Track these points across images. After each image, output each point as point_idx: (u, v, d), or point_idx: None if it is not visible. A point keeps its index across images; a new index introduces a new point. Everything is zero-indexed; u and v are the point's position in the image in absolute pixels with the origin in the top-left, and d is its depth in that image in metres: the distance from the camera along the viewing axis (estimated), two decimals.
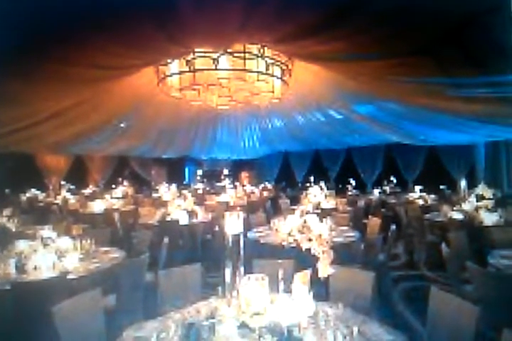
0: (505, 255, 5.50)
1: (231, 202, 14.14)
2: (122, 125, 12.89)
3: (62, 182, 19.30)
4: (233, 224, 3.27)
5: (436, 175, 18.11)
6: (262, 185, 20.82)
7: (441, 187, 16.85)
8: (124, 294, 4.98)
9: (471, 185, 14.29)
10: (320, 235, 5.57)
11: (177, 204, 10.14)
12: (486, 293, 4.55)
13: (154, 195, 17.48)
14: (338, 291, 4.18)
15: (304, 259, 5.12)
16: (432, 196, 13.60)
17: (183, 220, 9.29)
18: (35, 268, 4.92)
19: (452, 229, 7.84)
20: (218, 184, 22.66)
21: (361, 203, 12.82)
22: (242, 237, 3.31)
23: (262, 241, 6.79)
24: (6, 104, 7.58)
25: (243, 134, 17.08)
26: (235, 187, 18.69)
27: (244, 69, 7.21)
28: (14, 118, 9.08)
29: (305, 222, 6.56)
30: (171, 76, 7.63)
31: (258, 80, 7.46)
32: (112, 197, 14.85)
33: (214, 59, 7.02)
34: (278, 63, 7.65)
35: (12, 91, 6.75)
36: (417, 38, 4.95)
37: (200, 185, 22.01)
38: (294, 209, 7.87)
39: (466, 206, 9.40)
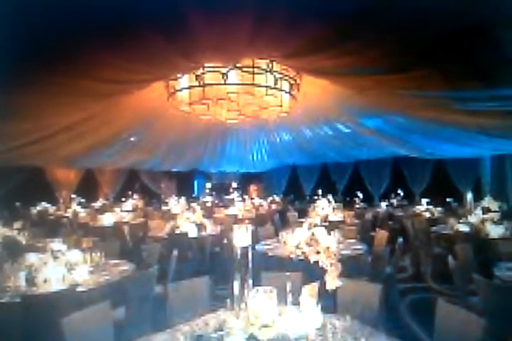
0: (511, 267, 5.52)
1: (239, 215, 14.12)
2: (132, 139, 12.98)
3: (73, 196, 19.33)
4: (242, 237, 3.28)
5: (443, 188, 18.11)
6: (271, 198, 20.76)
7: (448, 200, 16.79)
8: (133, 306, 4.98)
9: (478, 197, 14.33)
10: (328, 248, 5.59)
11: (186, 217, 10.14)
12: (492, 305, 4.55)
13: (164, 207, 17.52)
14: (345, 303, 4.18)
15: (312, 272, 5.14)
16: (439, 209, 13.60)
17: (192, 233, 9.31)
18: (45, 280, 4.91)
19: (458, 241, 7.83)
20: (227, 197, 22.69)
21: (369, 216, 12.80)
22: (250, 250, 3.31)
23: (270, 254, 6.81)
24: (16, 118, 7.68)
25: (252, 148, 17.17)
26: (244, 200, 18.64)
27: (253, 84, 7.28)
28: (25, 132, 9.17)
29: (313, 234, 6.56)
30: (180, 90, 7.71)
31: (267, 94, 7.51)
32: (121, 210, 14.86)
33: (223, 73, 7.10)
34: (286, 78, 7.72)
35: (22, 105, 6.83)
36: (423, 52, 5.00)
37: (209, 198, 22.02)
38: (302, 222, 7.88)
39: (473, 218, 9.45)
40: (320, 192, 16.89)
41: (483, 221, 9.04)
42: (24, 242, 8.49)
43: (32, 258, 5.51)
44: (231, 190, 23.44)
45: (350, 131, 12.60)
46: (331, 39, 4.74)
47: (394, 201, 18.02)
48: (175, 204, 16.28)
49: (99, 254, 6.14)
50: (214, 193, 24.52)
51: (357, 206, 17.10)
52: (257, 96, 7.54)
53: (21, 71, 5.12)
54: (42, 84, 5.77)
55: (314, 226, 7.09)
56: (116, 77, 6.15)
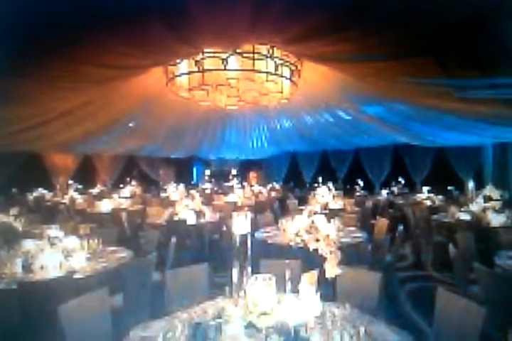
0: None
1: (239, 202, 14.14)
2: (131, 124, 12.94)
3: (70, 182, 19.32)
4: (241, 224, 3.27)
5: (444, 176, 18.16)
6: (270, 185, 20.78)
7: (449, 188, 16.83)
8: (131, 294, 4.97)
9: (479, 186, 14.27)
10: (327, 235, 5.58)
11: (185, 204, 10.14)
12: (492, 294, 4.58)
13: (162, 194, 17.52)
14: (345, 291, 4.18)
15: (312, 259, 5.16)
16: (440, 197, 13.57)
17: (191, 220, 9.29)
18: (42, 267, 4.92)
19: (459, 229, 7.82)
20: (226, 184, 22.70)
21: (369, 204, 12.83)
22: (249, 237, 3.30)
23: (269, 241, 6.80)
24: (14, 103, 7.67)
25: (251, 134, 17.15)
26: (243, 187, 18.68)
27: (253, 70, 7.23)
28: (23, 117, 9.16)
29: (313, 222, 6.56)
30: (180, 76, 7.66)
31: (267, 81, 7.48)
32: (119, 197, 14.86)
33: (223, 59, 7.05)
34: (287, 64, 7.66)
35: (20, 91, 6.82)
36: (424, 39, 4.97)
37: (208, 185, 22.07)
38: (301, 210, 7.89)
39: (474, 207, 9.43)
40: (320, 179, 16.93)
41: (484, 209, 9.04)
42: (20, 229, 8.48)
43: (28, 244, 5.53)
44: (230, 177, 23.41)
45: (351, 118, 12.58)
46: (332, 25, 4.72)
47: (395, 189, 18.03)
48: (173, 191, 16.32)
49: (96, 241, 6.13)
50: (213, 180, 24.53)
51: (357, 194, 17.15)
52: (257, 83, 7.49)
53: (19, 56, 5.10)
54: (39, 69, 5.74)
55: (314, 213, 7.08)
56: (115, 62, 6.11)
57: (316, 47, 5.94)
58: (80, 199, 15.87)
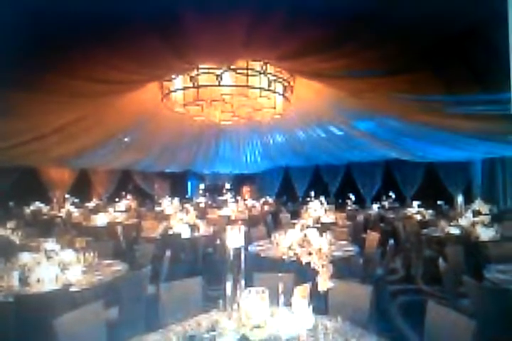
0: (501, 269, 5.54)
1: (232, 216, 14.11)
2: (126, 139, 12.97)
3: (67, 196, 19.40)
4: (234, 238, 3.29)
5: (434, 190, 18.33)
6: (263, 199, 20.74)
7: (439, 202, 16.90)
8: (126, 307, 4.96)
9: (468, 200, 14.36)
10: (320, 249, 5.59)
11: (179, 218, 10.11)
12: (482, 307, 4.57)
13: (157, 208, 17.50)
14: (337, 305, 4.19)
15: (304, 273, 5.17)
16: (430, 211, 13.52)
17: (185, 234, 9.28)
18: (39, 280, 4.90)
19: (449, 243, 7.82)
20: (220, 198, 22.71)
21: (360, 218, 12.80)
22: (243, 251, 3.33)
23: (262, 255, 6.80)
24: (10, 118, 7.66)
25: (245, 149, 17.21)
26: (237, 201, 18.60)
27: (247, 86, 7.31)
28: (19, 132, 9.16)
29: (305, 236, 6.56)
30: (175, 91, 7.73)
31: (260, 96, 7.55)
32: (115, 211, 14.86)
33: (217, 75, 7.13)
34: (280, 80, 7.75)
35: (16, 105, 6.83)
36: (419, 55, 5.04)
37: (202, 199, 22.01)
38: (294, 224, 7.87)
39: (463, 221, 9.42)
40: (312, 193, 16.92)
41: (473, 223, 9.04)
42: (17, 242, 8.46)
43: (25, 257, 5.50)
44: (224, 191, 23.52)
45: (342, 134, 12.67)
46: (326, 42, 4.77)
47: (385, 203, 17.93)
48: (168, 204, 16.34)
49: (92, 254, 6.12)
50: (207, 194, 24.57)
51: (349, 208, 17.13)
52: (250, 98, 7.57)
53: (12, 70, 5.11)
54: (34, 84, 5.77)
55: (306, 227, 7.09)
56: (111, 77, 6.16)
57: (311, 64, 5.99)
58: (76, 212, 15.90)
